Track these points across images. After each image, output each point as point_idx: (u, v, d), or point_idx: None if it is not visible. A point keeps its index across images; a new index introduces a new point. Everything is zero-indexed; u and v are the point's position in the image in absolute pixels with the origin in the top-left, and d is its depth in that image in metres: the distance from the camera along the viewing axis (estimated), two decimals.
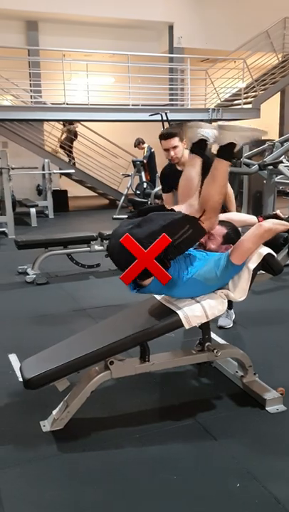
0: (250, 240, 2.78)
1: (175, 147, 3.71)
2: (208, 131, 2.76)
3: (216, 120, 12.70)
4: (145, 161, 11.40)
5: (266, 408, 2.90)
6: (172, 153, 3.73)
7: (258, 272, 2.93)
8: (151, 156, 11.53)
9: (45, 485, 2.34)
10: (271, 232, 2.82)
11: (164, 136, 3.72)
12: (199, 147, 2.86)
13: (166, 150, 3.75)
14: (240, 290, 2.84)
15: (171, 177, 3.78)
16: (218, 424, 2.78)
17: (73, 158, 13.09)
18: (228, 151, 2.70)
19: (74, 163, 12.81)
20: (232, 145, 2.68)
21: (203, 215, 2.65)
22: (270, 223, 2.85)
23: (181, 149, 3.73)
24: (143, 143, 11.57)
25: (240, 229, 3.06)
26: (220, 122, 2.66)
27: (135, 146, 11.73)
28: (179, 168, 3.80)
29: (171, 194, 4.01)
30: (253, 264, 2.82)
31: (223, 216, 3.19)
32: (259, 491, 2.26)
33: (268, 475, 2.36)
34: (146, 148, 11.54)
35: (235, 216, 3.19)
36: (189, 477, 2.36)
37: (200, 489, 2.28)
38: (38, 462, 2.49)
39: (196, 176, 2.91)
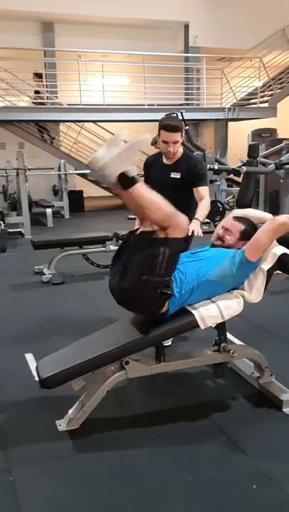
0: (264, 234, 2.76)
1: (176, 142, 3.55)
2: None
3: (231, 119, 12.67)
4: None
5: (283, 409, 2.88)
6: (171, 148, 3.56)
7: (274, 272, 2.91)
8: None
9: (61, 484, 2.34)
10: (286, 226, 2.77)
11: (171, 129, 3.52)
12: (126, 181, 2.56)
13: (166, 143, 3.55)
14: (255, 291, 2.82)
15: (155, 169, 3.72)
16: (233, 425, 2.76)
17: None
18: (123, 182, 2.53)
19: None
20: (122, 175, 2.51)
21: (167, 229, 2.61)
22: (284, 217, 2.81)
23: (179, 145, 3.61)
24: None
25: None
26: (103, 163, 2.48)
27: (152, 145, 11.70)
28: (166, 162, 3.68)
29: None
30: (267, 265, 2.80)
31: (239, 212, 3.20)
32: (276, 492, 2.24)
33: (285, 476, 2.34)
34: None
35: (251, 212, 3.17)
36: (205, 478, 2.35)
37: (216, 490, 2.27)
38: (54, 461, 2.50)
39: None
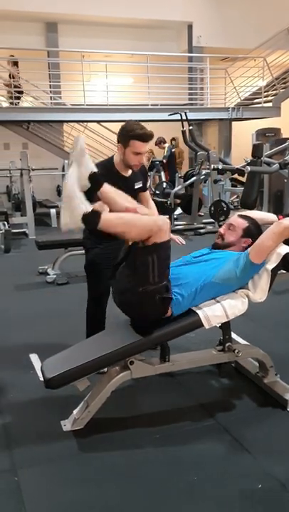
0: (269, 238, 2.76)
1: (144, 152, 3.23)
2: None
3: (235, 119, 12.66)
4: (165, 161, 11.39)
5: (288, 409, 2.87)
6: (142, 158, 3.24)
7: (279, 272, 2.91)
8: (171, 156, 11.51)
9: (66, 484, 2.34)
10: None
11: (147, 138, 3.11)
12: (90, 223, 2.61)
13: (138, 154, 3.15)
14: (260, 291, 2.82)
15: (112, 183, 3.01)
16: (238, 424, 2.76)
17: None
18: (89, 225, 2.60)
19: None
20: (84, 220, 2.56)
21: (149, 238, 2.59)
22: None
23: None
24: (164, 142, 11.55)
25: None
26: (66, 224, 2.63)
27: (156, 145, 11.71)
28: (124, 174, 3.29)
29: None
30: (271, 265, 2.79)
31: (244, 214, 3.19)
32: (281, 492, 2.23)
33: None
34: (166, 148, 11.52)
35: (255, 214, 3.17)
36: (210, 478, 2.35)
37: (221, 490, 2.27)
38: (59, 461, 2.50)
39: None
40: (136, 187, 3.37)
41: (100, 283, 3.38)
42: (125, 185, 3.18)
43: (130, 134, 3.08)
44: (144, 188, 3.48)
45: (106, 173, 3.17)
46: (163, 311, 2.72)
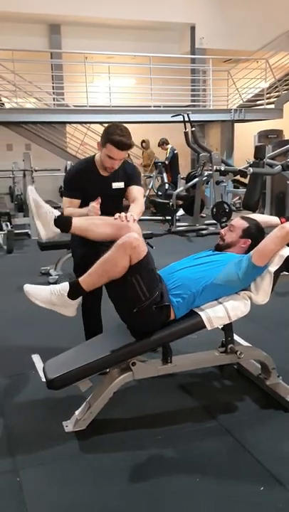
0: (272, 242, 2.76)
1: (121, 160, 3.20)
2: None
3: (238, 121, 12.66)
4: (167, 162, 11.39)
5: None
6: (116, 165, 3.18)
7: (281, 273, 2.91)
8: (173, 158, 11.52)
9: (67, 485, 2.34)
10: None
11: (123, 147, 3.07)
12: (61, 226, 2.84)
13: (112, 159, 3.11)
14: (262, 293, 2.82)
15: (92, 182, 3.24)
16: (240, 426, 2.76)
17: None
18: (61, 228, 2.82)
19: None
20: (56, 224, 2.80)
21: (129, 258, 2.59)
22: None
23: None
24: (167, 144, 11.56)
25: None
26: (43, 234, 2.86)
27: (159, 146, 11.71)
28: (103, 173, 3.26)
29: (78, 202, 3.28)
30: (274, 267, 2.79)
31: (246, 216, 3.19)
32: (283, 495, 2.23)
33: None
34: (169, 150, 11.53)
35: (257, 217, 3.17)
36: (212, 479, 2.35)
37: (223, 492, 2.27)
38: (61, 462, 2.50)
39: None
40: (114, 187, 3.30)
41: None
42: (102, 184, 3.23)
43: (109, 137, 3.07)
44: (124, 192, 3.37)
45: (85, 171, 3.29)
46: (164, 318, 2.73)
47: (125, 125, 3.16)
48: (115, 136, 3.04)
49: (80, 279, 2.68)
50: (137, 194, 3.35)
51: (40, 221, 2.81)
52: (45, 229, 2.80)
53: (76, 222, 2.81)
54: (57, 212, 2.82)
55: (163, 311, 2.70)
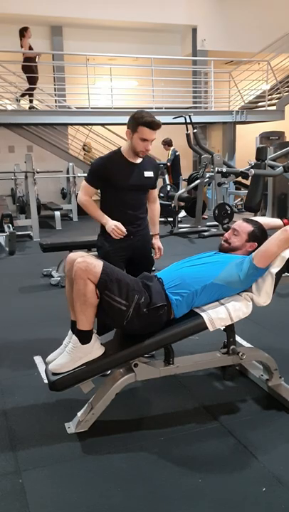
0: (275, 244, 2.76)
1: (153, 140, 3.23)
2: None
3: (239, 122, 12.67)
4: (169, 164, 11.40)
5: None
6: (150, 146, 3.22)
7: (283, 275, 2.91)
8: (175, 160, 11.52)
9: (70, 486, 2.35)
10: None
11: (156, 126, 3.14)
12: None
13: (145, 140, 3.16)
14: (264, 294, 2.82)
15: (122, 170, 3.26)
16: (243, 427, 2.76)
17: None
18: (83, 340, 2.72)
19: None
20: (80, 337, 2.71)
21: (92, 282, 2.62)
22: None
23: None
24: (170, 145, 11.54)
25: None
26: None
27: (162, 145, 11.65)
28: (133, 160, 3.29)
29: (94, 191, 3.38)
30: (276, 269, 2.80)
31: (248, 218, 3.20)
32: (285, 496, 2.23)
33: None
34: (170, 151, 11.53)
35: (259, 220, 3.17)
36: (215, 480, 2.35)
37: (226, 493, 2.27)
38: (63, 464, 2.51)
39: None
40: (146, 175, 3.35)
41: None
42: (135, 171, 3.27)
43: (139, 120, 3.13)
44: (154, 183, 3.47)
45: (113, 160, 3.28)
46: (164, 317, 2.74)
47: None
48: (146, 118, 3.13)
49: (77, 326, 2.70)
50: (156, 194, 3.59)
51: (86, 358, 2.71)
52: (92, 353, 2.71)
53: (81, 323, 2.71)
54: (72, 349, 2.71)
55: (159, 311, 2.70)
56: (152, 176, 3.39)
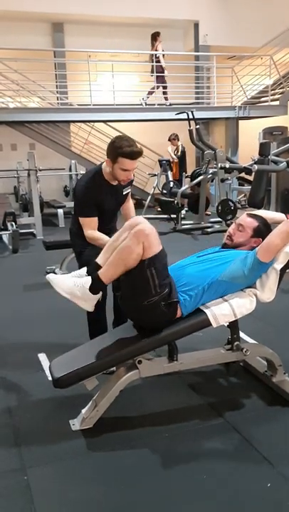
0: (278, 237, 2.75)
1: (133, 169, 3.18)
2: None
3: (242, 118, 12.63)
4: (176, 160, 11.36)
5: None
6: (131, 175, 3.21)
7: (287, 271, 2.90)
8: (182, 155, 11.49)
9: (75, 483, 2.35)
10: None
11: (136, 155, 3.07)
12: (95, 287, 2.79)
13: (126, 170, 3.11)
14: (268, 290, 2.82)
15: (106, 195, 3.27)
16: (247, 423, 2.76)
17: None
18: (95, 291, 2.73)
19: None
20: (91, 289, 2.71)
21: (143, 253, 2.63)
22: None
23: None
24: (178, 140, 11.48)
25: None
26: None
27: (169, 140, 11.58)
28: (113, 183, 3.27)
29: (97, 219, 3.29)
30: (279, 265, 2.79)
31: (252, 213, 3.18)
32: None
33: None
34: (180, 147, 11.44)
35: (262, 214, 3.16)
36: (220, 477, 2.35)
37: (230, 489, 2.27)
38: (68, 461, 2.51)
39: None
40: (124, 192, 3.44)
41: None
42: (118, 192, 3.34)
43: (118, 151, 3.05)
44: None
45: (96, 186, 3.25)
46: (172, 315, 2.74)
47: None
48: (125, 148, 3.03)
49: (99, 273, 2.71)
50: (129, 198, 3.65)
51: (78, 300, 2.73)
52: (87, 303, 2.74)
53: (105, 273, 2.71)
54: (84, 280, 2.72)
55: (171, 308, 2.70)
56: (130, 190, 3.50)
